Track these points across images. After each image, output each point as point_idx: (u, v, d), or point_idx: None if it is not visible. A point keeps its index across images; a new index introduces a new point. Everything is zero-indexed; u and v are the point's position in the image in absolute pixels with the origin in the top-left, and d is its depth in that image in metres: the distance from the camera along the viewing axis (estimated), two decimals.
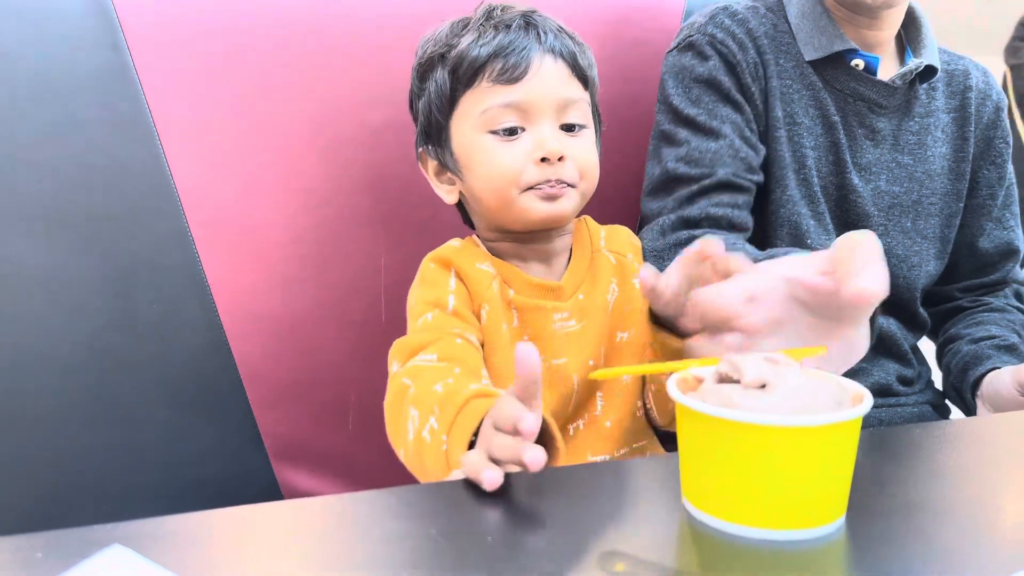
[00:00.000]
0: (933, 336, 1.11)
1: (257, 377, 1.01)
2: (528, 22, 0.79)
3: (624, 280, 0.84)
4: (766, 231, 0.97)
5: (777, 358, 0.48)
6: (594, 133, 0.83)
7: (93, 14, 0.94)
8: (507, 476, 0.53)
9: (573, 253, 0.84)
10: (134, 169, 0.96)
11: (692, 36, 0.98)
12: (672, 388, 0.49)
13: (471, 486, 0.53)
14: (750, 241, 0.93)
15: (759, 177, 0.95)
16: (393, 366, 0.76)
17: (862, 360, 0.93)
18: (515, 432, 0.53)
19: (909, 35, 1.03)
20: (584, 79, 0.81)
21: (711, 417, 0.45)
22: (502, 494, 0.52)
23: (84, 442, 0.97)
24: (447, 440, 0.62)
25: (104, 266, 0.96)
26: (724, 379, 0.48)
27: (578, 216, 0.86)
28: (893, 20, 0.98)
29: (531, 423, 0.52)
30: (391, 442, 0.73)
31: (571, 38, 0.81)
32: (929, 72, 0.99)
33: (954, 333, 1.05)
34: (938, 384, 1.08)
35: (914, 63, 0.97)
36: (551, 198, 0.77)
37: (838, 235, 0.94)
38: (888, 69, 1.00)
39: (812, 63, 0.97)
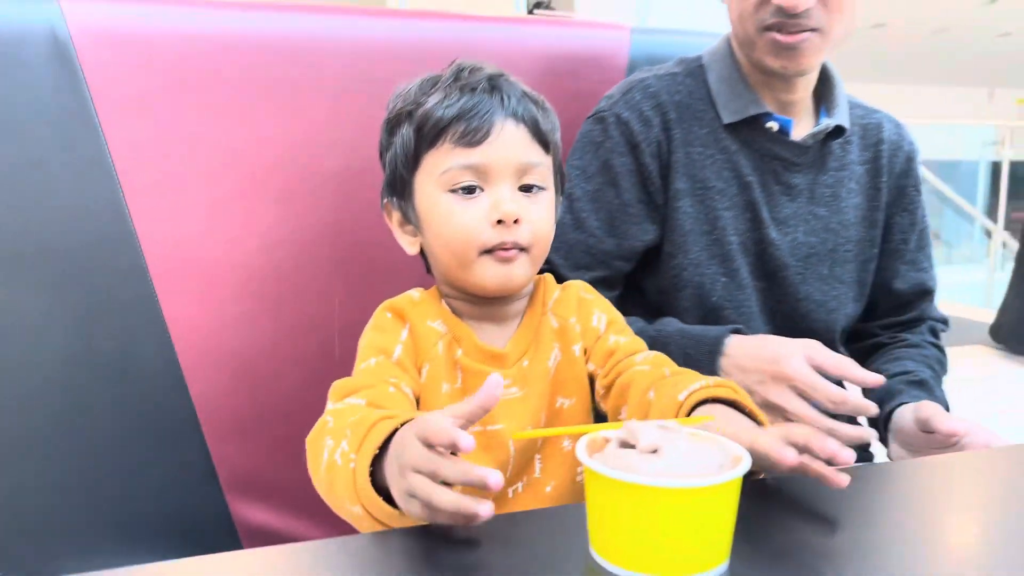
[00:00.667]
0: None
1: (212, 412, 1.04)
2: (493, 86, 0.81)
3: (566, 346, 0.86)
4: (669, 292, 1.04)
5: (669, 425, 0.55)
6: (554, 195, 0.85)
7: (55, 58, 0.97)
8: (423, 528, 0.57)
9: (524, 317, 0.86)
10: (93, 208, 0.99)
11: (604, 111, 1.05)
12: (580, 450, 0.54)
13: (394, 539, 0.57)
14: (651, 301, 1.04)
15: (622, 264, 1.04)
16: (328, 404, 0.78)
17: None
18: (452, 447, 0.55)
19: (824, 94, 1.09)
20: (545, 143, 0.82)
21: (610, 478, 0.51)
22: (422, 543, 0.56)
23: (42, 477, 1.00)
24: (355, 458, 0.63)
25: (62, 303, 0.99)
26: (624, 444, 0.54)
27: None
28: (806, 84, 1.04)
29: (470, 443, 0.54)
30: (311, 476, 0.73)
31: (535, 102, 0.83)
32: (838, 131, 1.06)
33: (873, 370, 1.12)
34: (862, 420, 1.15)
35: (824, 124, 1.04)
36: (504, 260, 0.79)
37: (756, 287, 1.03)
38: (804, 127, 1.07)
39: (729, 125, 1.03)
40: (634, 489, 0.50)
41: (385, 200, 0.88)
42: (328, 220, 1.07)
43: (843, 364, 0.86)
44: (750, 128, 1.04)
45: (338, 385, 0.78)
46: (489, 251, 0.79)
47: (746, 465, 0.52)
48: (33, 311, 0.98)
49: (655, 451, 0.52)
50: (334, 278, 1.07)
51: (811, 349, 0.88)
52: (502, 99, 0.80)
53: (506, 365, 0.83)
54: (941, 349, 1.16)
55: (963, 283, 6.56)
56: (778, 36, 0.95)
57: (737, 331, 0.96)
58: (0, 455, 0.98)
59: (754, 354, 0.90)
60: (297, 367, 1.07)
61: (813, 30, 0.94)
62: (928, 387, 1.03)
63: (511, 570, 0.54)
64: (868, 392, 1.08)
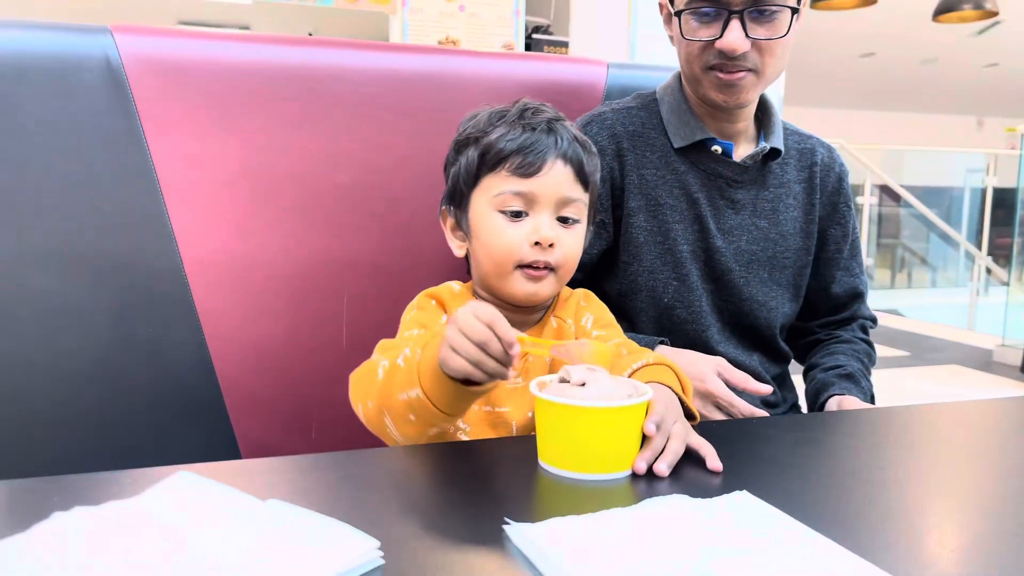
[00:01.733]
0: (800, 361, 1.36)
1: (235, 391, 1.20)
2: (551, 128, 0.95)
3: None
4: (627, 295, 1.20)
5: (595, 368, 0.75)
6: (585, 227, 0.99)
7: (108, 84, 1.13)
8: (406, 460, 0.74)
9: (535, 325, 1.02)
10: (138, 215, 1.15)
11: None
12: (532, 387, 0.75)
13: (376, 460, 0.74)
14: (612, 303, 1.17)
15: (578, 275, 1.14)
16: (375, 355, 0.92)
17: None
18: (508, 343, 0.72)
19: (763, 122, 1.26)
20: (586, 183, 0.96)
21: (551, 402, 0.72)
22: (396, 467, 0.73)
23: (86, 446, 1.15)
24: (420, 351, 0.79)
25: (109, 296, 1.15)
26: (563, 381, 0.76)
27: None
28: (745, 115, 1.21)
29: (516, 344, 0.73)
30: (352, 403, 0.89)
31: (583, 146, 0.97)
32: (775, 153, 1.23)
33: (812, 363, 1.30)
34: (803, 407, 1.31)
35: (760, 147, 1.21)
36: (534, 279, 0.94)
37: (705, 288, 1.20)
38: (746, 150, 1.24)
39: (679, 150, 1.20)
40: (567, 409, 0.71)
41: (443, 207, 1.03)
42: (339, 227, 1.23)
43: (744, 379, 1.06)
44: (697, 152, 1.20)
45: (385, 342, 0.93)
46: (523, 267, 0.93)
47: (649, 396, 0.73)
48: (82, 301, 1.13)
49: (583, 384, 0.73)
50: (343, 278, 1.23)
51: (721, 367, 1.07)
52: (556, 140, 0.95)
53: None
54: (870, 344, 1.33)
55: (947, 306, 6.72)
56: (720, 75, 1.12)
57: (663, 343, 1.14)
58: (47, 428, 1.13)
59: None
60: (310, 354, 1.22)
61: (750, 70, 1.11)
62: (855, 379, 1.20)
63: (477, 473, 0.73)
64: (807, 382, 1.25)
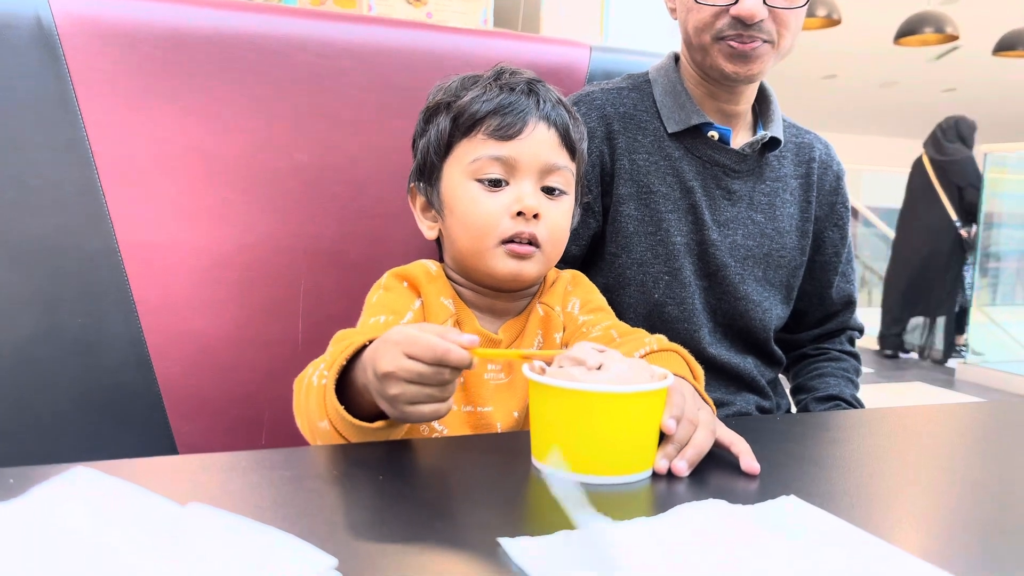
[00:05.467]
0: (787, 375, 1.27)
1: (176, 391, 1.07)
2: (531, 89, 0.86)
3: (548, 332, 0.91)
4: (613, 290, 1.10)
5: (604, 349, 0.63)
6: (573, 202, 0.90)
7: (38, 44, 1.01)
8: (392, 449, 0.62)
9: (521, 313, 0.91)
10: (69, 190, 1.02)
11: None
12: (527, 371, 0.62)
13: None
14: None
15: (562, 266, 1.05)
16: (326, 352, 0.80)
17: (727, 393, 1.08)
18: (439, 363, 0.60)
19: (761, 110, 1.17)
20: (572, 150, 0.87)
21: (555, 388, 0.59)
22: (359, 467, 0.61)
23: (4, 450, 1.01)
24: (327, 374, 0.67)
25: (33, 281, 1.02)
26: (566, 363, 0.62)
27: None
28: (748, 95, 1.12)
29: (469, 340, 0.61)
30: (295, 415, 0.77)
31: (567, 110, 0.88)
32: (774, 143, 1.14)
33: (801, 384, 1.23)
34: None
35: (760, 135, 1.12)
36: (519, 257, 0.83)
37: (699, 285, 1.09)
38: (744, 138, 1.15)
39: (673, 134, 1.11)
40: (575, 395, 0.58)
41: (412, 184, 0.92)
42: (295, 211, 1.12)
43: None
44: (692, 137, 1.11)
45: (341, 334, 0.81)
46: (506, 242, 0.82)
47: (670, 380, 0.60)
48: (3, 286, 1.01)
49: (598, 366, 0.59)
50: (299, 266, 1.12)
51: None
52: (538, 102, 0.85)
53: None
54: (856, 356, 1.26)
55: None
56: (734, 44, 1.02)
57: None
58: None
59: None
60: (260, 351, 1.10)
61: (765, 41, 1.02)
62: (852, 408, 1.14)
63: (458, 475, 0.62)
64: (796, 406, 1.18)
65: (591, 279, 1.11)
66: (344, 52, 1.15)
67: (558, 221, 0.86)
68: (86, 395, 1.04)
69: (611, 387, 0.58)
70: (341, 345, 0.71)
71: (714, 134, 1.11)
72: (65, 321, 1.03)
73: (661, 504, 0.57)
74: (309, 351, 0.92)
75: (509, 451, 0.68)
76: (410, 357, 0.61)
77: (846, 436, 0.81)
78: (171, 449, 1.07)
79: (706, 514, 0.52)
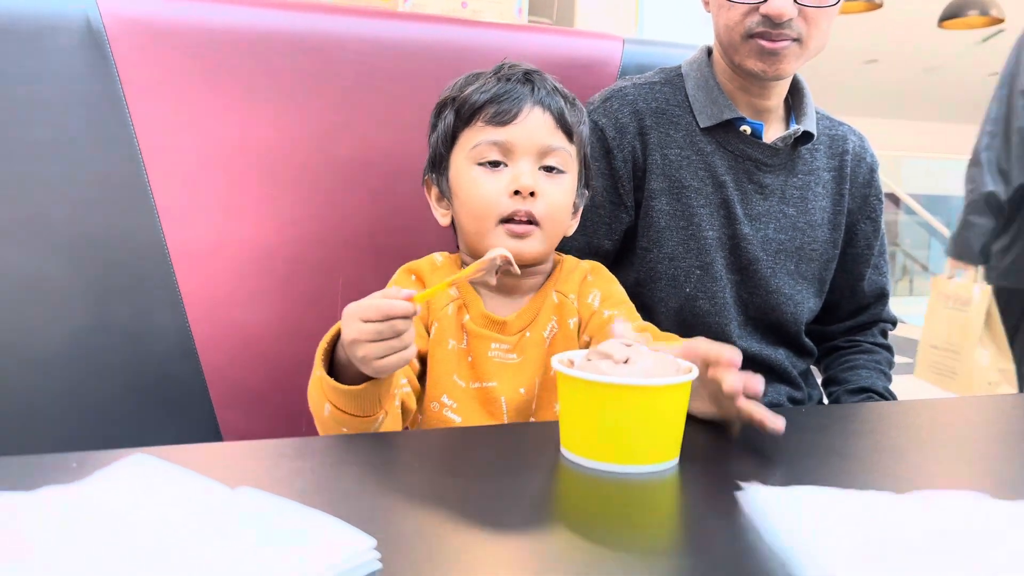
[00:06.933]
0: (818, 367, 1.28)
1: (220, 380, 1.11)
2: (527, 78, 0.91)
3: (563, 319, 0.94)
4: (645, 284, 1.12)
5: (631, 343, 0.65)
6: (575, 181, 0.94)
7: (88, 45, 1.05)
8: (400, 446, 0.65)
9: (534, 296, 0.94)
10: (117, 185, 1.06)
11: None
12: (556, 364, 0.65)
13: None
14: (630, 293, 1.07)
15: (591, 259, 1.07)
16: None
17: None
18: (388, 317, 0.68)
19: (794, 104, 1.17)
20: (569, 132, 0.91)
21: (586, 381, 0.62)
22: (398, 454, 0.64)
23: (56, 435, 1.06)
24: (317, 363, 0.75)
25: (84, 274, 1.06)
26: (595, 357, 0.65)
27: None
28: (779, 91, 1.12)
29: (407, 293, 0.69)
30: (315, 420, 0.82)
31: (563, 96, 0.92)
32: (807, 137, 1.14)
33: (833, 376, 1.23)
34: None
35: (793, 129, 1.12)
36: (518, 236, 0.87)
37: (730, 279, 1.10)
38: (776, 131, 1.15)
39: (705, 129, 1.11)
40: (610, 388, 0.61)
41: (426, 176, 0.98)
42: (337, 204, 1.14)
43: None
44: (724, 131, 1.11)
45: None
46: (506, 221, 0.87)
47: (695, 373, 0.63)
48: (55, 277, 1.05)
49: (626, 360, 0.62)
50: (339, 258, 1.15)
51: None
52: (533, 89, 0.90)
53: (506, 332, 0.91)
54: (889, 349, 1.26)
55: None
56: (763, 42, 1.03)
57: None
58: (19, 414, 1.04)
59: None
60: (302, 341, 1.13)
61: (794, 40, 1.03)
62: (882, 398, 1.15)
63: (496, 463, 0.64)
64: (828, 398, 1.18)
65: (623, 273, 1.12)
66: (380, 48, 1.17)
67: (557, 198, 0.90)
68: (135, 383, 1.08)
69: (638, 380, 0.60)
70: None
71: (746, 128, 1.11)
72: (114, 313, 1.07)
73: (687, 492, 0.59)
74: None
75: (539, 441, 0.70)
76: (365, 321, 0.68)
77: (871, 428, 0.82)
78: (215, 435, 1.10)
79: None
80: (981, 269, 2.06)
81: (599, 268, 0.99)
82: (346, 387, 0.72)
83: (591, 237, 1.12)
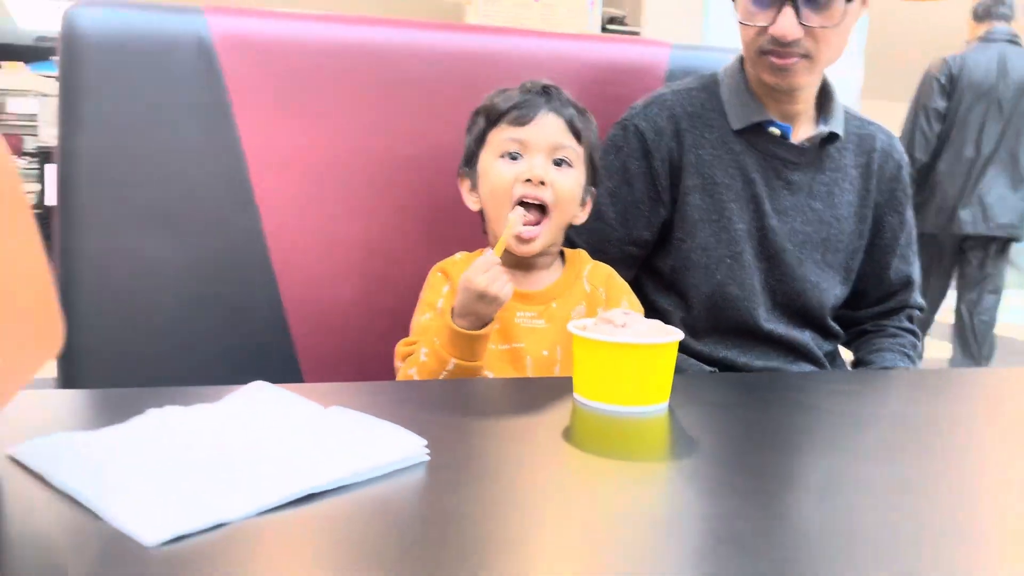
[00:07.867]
0: (848, 348, 1.38)
1: (308, 350, 1.28)
2: (545, 90, 1.09)
3: (591, 305, 1.09)
4: (680, 271, 1.24)
5: (630, 312, 0.82)
6: (583, 176, 1.10)
7: (200, 61, 1.22)
8: (449, 388, 0.83)
9: (562, 275, 1.11)
10: (225, 182, 1.24)
11: (627, 120, 1.26)
12: (571, 327, 0.81)
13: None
14: (665, 278, 1.25)
15: (632, 249, 1.25)
16: (397, 363, 1.06)
17: (784, 362, 1.20)
18: (491, 267, 0.94)
19: (823, 106, 1.26)
20: (578, 135, 1.08)
21: (598, 340, 0.79)
22: (451, 395, 0.79)
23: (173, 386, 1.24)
24: (439, 340, 0.96)
25: (192, 256, 1.24)
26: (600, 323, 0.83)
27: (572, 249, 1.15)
28: (805, 96, 1.22)
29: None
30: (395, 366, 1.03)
31: (575, 107, 1.09)
32: (833, 137, 1.24)
33: (859, 358, 1.34)
34: None
35: (819, 130, 1.22)
36: (528, 223, 1.04)
37: (759, 267, 1.22)
38: (804, 132, 1.25)
39: (737, 131, 1.22)
40: (613, 346, 0.78)
41: (460, 170, 1.15)
42: (408, 199, 1.30)
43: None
44: (755, 133, 1.22)
45: (400, 345, 1.07)
46: (520, 204, 1.04)
47: (680, 335, 0.80)
48: (171, 262, 1.23)
49: (624, 325, 0.80)
50: (410, 244, 1.30)
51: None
52: (548, 99, 1.08)
53: (530, 302, 1.07)
54: (915, 333, 1.35)
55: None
56: (773, 59, 1.14)
57: None
58: (124, 385, 1.23)
59: None
60: (378, 316, 1.30)
61: (802, 56, 1.14)
62: None
63: (517, 404, 0.83)
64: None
65: (660, 261, 1.25)
66: (450, 58, 1.32)
67: (565, 186, 1.06)
68: (232, 354, 1.25)
69: (635, 339, 0.77)
70: (430, 333, 0.99)
71: (775, 130, 1.21)
72: (217, 290, 1.25)
73: (671, 427, 0.76)
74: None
75: (558, 389, 0.86)
76: (484, 272, 0.94)
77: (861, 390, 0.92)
78: None
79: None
80: None
81: (615, 274, 1.14)
82: (477, 332, 0.94)
83: (632, 229, 1.25)
